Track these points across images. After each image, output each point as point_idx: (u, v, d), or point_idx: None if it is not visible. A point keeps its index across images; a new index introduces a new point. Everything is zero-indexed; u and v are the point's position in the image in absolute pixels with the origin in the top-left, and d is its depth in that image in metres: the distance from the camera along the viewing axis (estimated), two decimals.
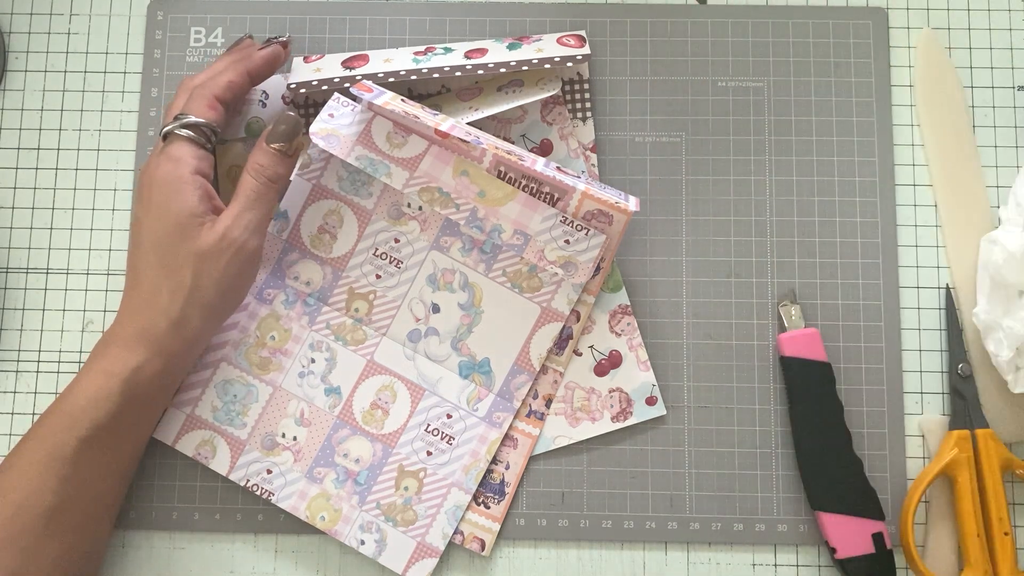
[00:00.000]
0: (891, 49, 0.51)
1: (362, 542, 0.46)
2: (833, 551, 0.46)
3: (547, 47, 0.48)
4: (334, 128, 0.45)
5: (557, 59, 0.47)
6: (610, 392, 0.48)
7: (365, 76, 0.46)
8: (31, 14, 0.52)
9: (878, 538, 0.45)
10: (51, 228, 0.51)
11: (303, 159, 0.47)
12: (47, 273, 0.50)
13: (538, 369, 0.47)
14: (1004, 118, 0.51)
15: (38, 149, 0.51)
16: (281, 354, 0.47)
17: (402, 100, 0.45)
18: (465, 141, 0.44)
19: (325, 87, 0.46)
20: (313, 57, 0.49)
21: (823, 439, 0.46)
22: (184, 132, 0.42)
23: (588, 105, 0.50)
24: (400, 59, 0.48)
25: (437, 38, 0.51)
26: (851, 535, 0.45)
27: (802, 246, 0.50)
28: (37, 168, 0.51)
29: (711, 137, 0.51)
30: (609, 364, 0.48)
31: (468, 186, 0.45)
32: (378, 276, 0.47)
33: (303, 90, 0.46)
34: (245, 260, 0.42)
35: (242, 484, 0.46)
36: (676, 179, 0.50)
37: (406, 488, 0.46)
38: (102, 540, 0.45)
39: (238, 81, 0.44)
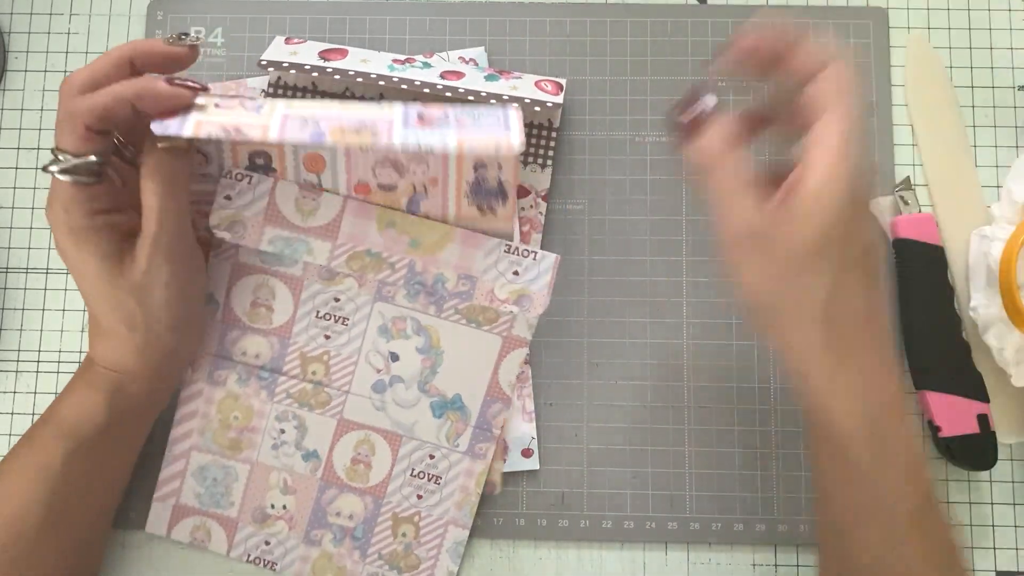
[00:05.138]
0: (891, 49, 0.51)
1: None
2: (937, 429, 0.46)
3: (523, 86, 0.47)
4: (235, 213, 0.42)
5: (527, 100, 0.46)
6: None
7: (337, 70, 0.45)
8: (31, 14, 0.52)
9: (983, 419, 0.46)
10: (51, 228, 0.50)
11: (215, 240, 0.44)
12: (47, 273, 0.50)
13: (512, 395, 0.46)
14: (1004, 118, 0.51)
15: (38, 149, 0.51)
16: (249, 431, 0.46)
17: (216, 105, 0.38)
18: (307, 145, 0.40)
19: (294, 71, 0.45)
20: (295, 40, 0.49)
21: (933, 320, 0.47)
22: (65, 178, 0.37)
23: (551, 153, 0.49)
24: (377, 63, 0.47)
25: (437, 38, 0.51)
26: (956, 415, 0.46)
27: None
28: (37, 168, 0.51)
29: None
30: None
31: (398, 239, 0.43)
32: (327, 336, 0.45)
33: (271, 69, 0.45)
34: (182, 266, 0.40)
35: (244, 560, 0.46)
36: (676, 179, 0.50)
37: (404, 534, 0.46)
38: (96, 548, 0.45)
39: (115, 109, 0.37)
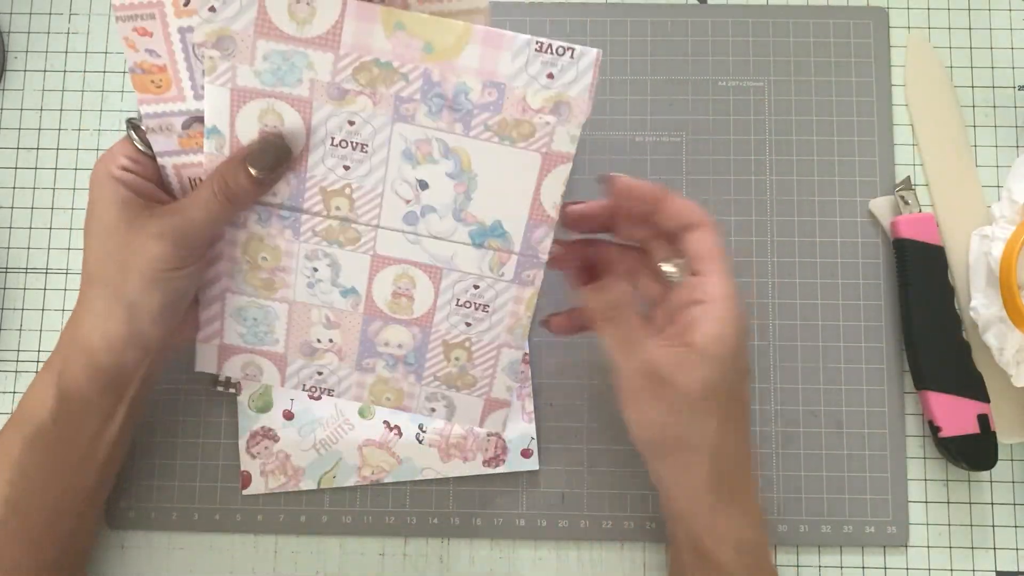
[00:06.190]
0: (891, 49, 0.51)
1: (432, 410, 0.45)
2: (937, 430, 0.46)
3: None
4: (222, 27, 0.37)
5: None
6: (488, 436, 0.48)
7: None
8: (31, 14, 0.52)
9: (983, 419, 0.46)
10: (50, 228, 0.51)
11: (207, 62, 0.39)
12: (47, 273, 0.50)
13: (556, 217, 0.41)
14: (1004, 118, 0.51)
15: (37, 149, 0.51)
16: (281, 271, 0.43)
17: None
18: None
19: None
20: None
21: (933, 320, 0.47)
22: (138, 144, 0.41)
23: None
24: None
25: None
26: (956, 415, 0.46)
27: (802, 246, 0.50)
28: (36, 168, 0.51)
29: (711, 137, 0.51)
30: None
31: (409, 43, 0.37)
32: (346, 167, 0.40)
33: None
34: (174, 270, 0.39)
35: (300, 390, 0.45)
36: (676, 179, 0.50)
37: (456, 358, 0.44)
38: (75, 545, 0.44)
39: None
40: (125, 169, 0.40)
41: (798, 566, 0.47)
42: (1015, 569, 0.47)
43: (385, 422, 0.49)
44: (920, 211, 0.49)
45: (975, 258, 0.47)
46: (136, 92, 0.40)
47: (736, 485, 0.38)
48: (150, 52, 0.39)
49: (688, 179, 0.50)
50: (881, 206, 0.50)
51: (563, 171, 0.40)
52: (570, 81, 0.38)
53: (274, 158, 0.39)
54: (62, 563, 0.43)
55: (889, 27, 0.52)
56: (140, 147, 0.40)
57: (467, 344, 0.44)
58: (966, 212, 0.49)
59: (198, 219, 0.39)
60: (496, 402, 0.45)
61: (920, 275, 0.48)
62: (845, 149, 0.50)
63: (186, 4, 0.38)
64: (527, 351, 0.49)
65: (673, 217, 0.39)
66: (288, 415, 0.49)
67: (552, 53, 0.37)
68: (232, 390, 0.49)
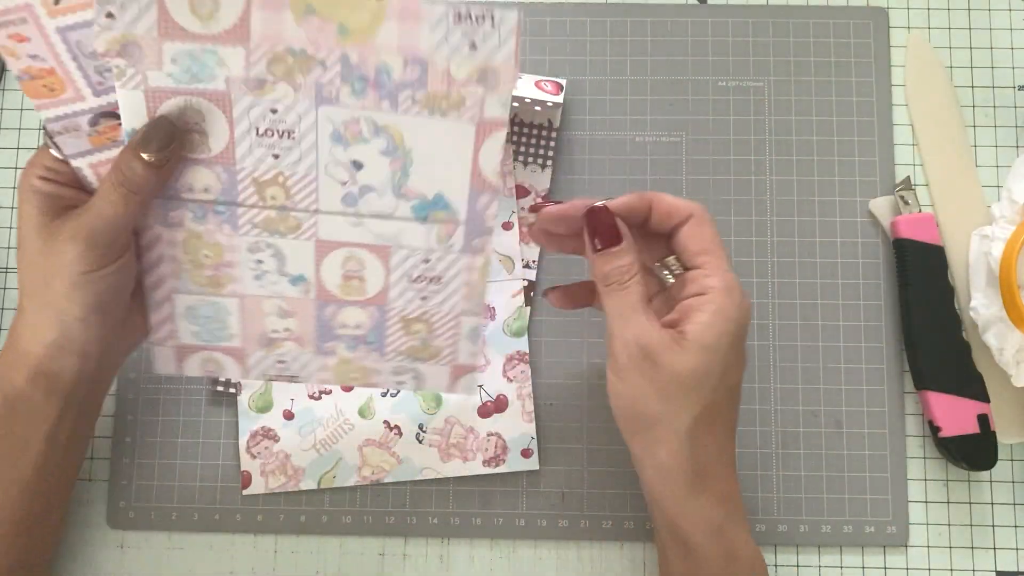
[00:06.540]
0: (891, 49, 0.51)
1: (401, 383, 0.45)
2: (937, 430, 0.47)
3: (523, 86, 0.47)
4: (124, 33, 0.36)
5: (528, 100, 0.46)
6: (488, 436, 0.48)
7: None
8: None
9: (983, 419, 0.46)
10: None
11: (115, 71, 0.37)
12: None
13: (498, 184, 0.40)
14: (1004, 118, 0.51)
15: (37, 149, 0.51)
16: (225, 267, 0.42)
17: None
18: None
19: None
20: None
21: (933, 320, 0.47)
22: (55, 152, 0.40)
23: (551, 153, 0.50)
24: None
25: None
26: (956, 415, 0.47)
27: (802, 246, 0.50)
28: None
29: (711, 137, 0.51)
30: (494, 408, 0.48)
31: (322, 27, 0.36)
32: (276, 156, 0.39)
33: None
34: (34, 237, 0.38)
35: (264, 380, 0.44)
36: (676, 179, 0.50)
37: (417, 331, 0.44)
38: (29, 554, 0.43)
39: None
40: (44, 179, 0.39)
41: (798, 566, 0.47)
42: (1015, 569, 0.47)
43: (385, 422, 0.49)
44: (920, 211, 0.49)
45: (975, 258, 0.47)
46: (31, 99, 0.37)
47: (713, 473, 0.38)
48: (33, 57, 0.37)
49: (688, 179, 0.50)
50: (881, 206, 0.50)
51: (499, 137, 0.39)
52: (494, 47, 0.36)
53: (162, 139, 0.37)
54: (20, 566, 0.42)
55: (889, 27, 0.52)
56: (58, 155, 0.39)
57: (425, 317, 0.43)
58: (966, 212, 0.49)
59: (105, 215, 0.38)
60: (463, 367, 0.44)
61: (920, 275, 0.48)
62: (845, 149, 0.50)
63: (57, 2, 0.35)
64: (521, 348, 0.49)
65: (667, 217, 0.39)
66: (288, 415, 0.49)
67: (472, 22, 0.36)
68: (232, 390, 0.49)
